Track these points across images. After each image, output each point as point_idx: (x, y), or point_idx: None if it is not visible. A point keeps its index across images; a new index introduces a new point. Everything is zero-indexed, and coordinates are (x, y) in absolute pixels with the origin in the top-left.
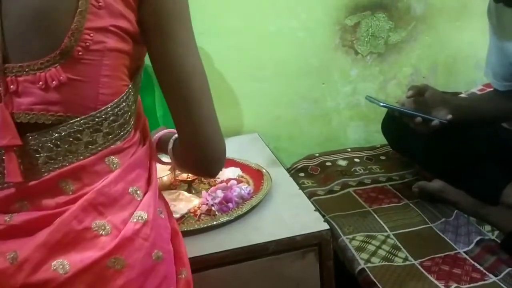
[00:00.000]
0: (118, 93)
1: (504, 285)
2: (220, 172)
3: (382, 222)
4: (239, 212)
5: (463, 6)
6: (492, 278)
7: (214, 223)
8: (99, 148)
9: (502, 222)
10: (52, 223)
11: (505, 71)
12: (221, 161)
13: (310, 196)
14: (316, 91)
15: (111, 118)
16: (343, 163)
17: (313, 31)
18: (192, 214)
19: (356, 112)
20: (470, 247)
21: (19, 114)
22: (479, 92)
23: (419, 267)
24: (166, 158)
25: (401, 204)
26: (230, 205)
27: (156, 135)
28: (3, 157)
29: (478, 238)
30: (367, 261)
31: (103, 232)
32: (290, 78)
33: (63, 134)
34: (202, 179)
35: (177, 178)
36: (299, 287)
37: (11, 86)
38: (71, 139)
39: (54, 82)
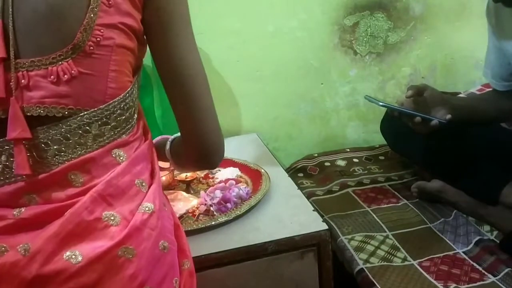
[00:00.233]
0: (124, 88)
1: (503, 285)
2: (219, 172)
3: (381, 222)
4: (238, 212)
5: (462, 6)
6: (491, 278)
7: (213, 223)
8: (107, 141)
9: (501, 222)
10: (62, 215)
11: (504, 71)
12: (221, 152)
13: (309, 196)
14: (315, 91)
15: (118, 111)
16: (342, 163)
17: (312, 31)
18: (190, 214)
19: (355, 112)
20: (469, 247)
21: (29, 108)
22: (478, 92)
23: (418, 267)
24: (162, 164)
25: (400, 204)
26: (228, 205)
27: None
28: (12, 151)
29: (477, 238)
30: (366, 261)
31: (113, 223)
32: (289, 78)
33: (73, 126)
34: (201, 179)
35: (175, 178)
36: (298, 287)
37: (22, 81)
38: (80, 131)
39: (65, 75)
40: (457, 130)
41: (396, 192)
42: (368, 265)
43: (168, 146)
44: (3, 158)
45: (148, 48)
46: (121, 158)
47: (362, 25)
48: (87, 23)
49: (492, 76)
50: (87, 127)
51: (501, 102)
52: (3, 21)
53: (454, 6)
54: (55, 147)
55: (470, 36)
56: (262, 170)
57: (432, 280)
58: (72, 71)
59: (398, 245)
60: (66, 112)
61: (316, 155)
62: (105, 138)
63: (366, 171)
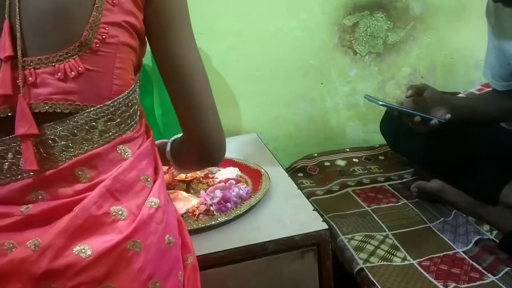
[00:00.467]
0: (128, 85)
1: (503, 284)
2: (219, 172)
3: (380, 222)
4: (238, 212)
5: (461, 6)
6: (490, 278)
7: (213, 223)
8: (112, 137)
9: (500, 221)
10: (71, 211)
11: (504, 71)
12: (223, 151)
13: (308, 196)
14: (314, 91)
15: (123, 108)
16: (341, 163)
17: (311, 31)
18: (190, 214)
19: (354, 112)
20: (469, 246)
21: (37, 104)
22: (477, 92)
23: (418, 266)
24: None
25: (399, 204)
26: (228, 205)
27: None
28: (18, 149)
29: (477, 237)
30: (366, 261)
31: (121, 217)
32: (288, 78)
33: (80, 122)
34: (201, 179)
35: (175, 178)
36: (298, 287)
37: (30, 78)
38: (87, 127)
39: (73, 72)
40: (457, 130)
41: (395, 192)
42: (368, 264)
43: (168, 148)
44: (10, 155)
45: (148, 48)
46: (126, 153)
47: (362, 25)
48: (93, 21)
49: (492, 76)
50: (94, 123)
51: (501, 102)
52: (10, 20)
53: (454, 6)
54: (62, 143)
55: (470, 36)
56: (262, 170)
57: (432, 280)
58: (79, 68)
59: (398, 244)
60: (73, 108)
61: (316, 155)
62: (110, 134)
63: (366, 171)
